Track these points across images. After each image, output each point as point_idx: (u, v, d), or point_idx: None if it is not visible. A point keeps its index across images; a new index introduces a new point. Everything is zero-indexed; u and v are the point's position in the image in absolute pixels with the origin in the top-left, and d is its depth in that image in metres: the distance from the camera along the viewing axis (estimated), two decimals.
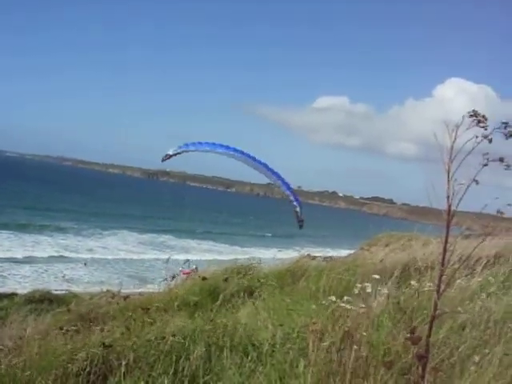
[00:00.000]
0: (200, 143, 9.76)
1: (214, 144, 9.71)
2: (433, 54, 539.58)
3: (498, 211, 4.78)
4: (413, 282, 8.67)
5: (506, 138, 4.46)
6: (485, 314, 6.46)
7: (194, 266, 21.35)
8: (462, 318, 6.53)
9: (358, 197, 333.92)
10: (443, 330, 6.23)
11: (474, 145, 4.53)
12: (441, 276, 4.73)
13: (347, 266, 11.20)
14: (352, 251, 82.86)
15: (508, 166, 4.49)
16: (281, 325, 7.91)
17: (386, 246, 72.94)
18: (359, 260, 12.24)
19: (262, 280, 11.53)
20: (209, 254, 72.09)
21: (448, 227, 4.59)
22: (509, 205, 4.47)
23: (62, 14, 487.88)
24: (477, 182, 4.66)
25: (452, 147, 4.58)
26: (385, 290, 7.93)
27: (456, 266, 9.41)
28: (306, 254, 70.85)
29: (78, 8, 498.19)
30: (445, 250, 4.72)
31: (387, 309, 7.44)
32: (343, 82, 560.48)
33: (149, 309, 7.88)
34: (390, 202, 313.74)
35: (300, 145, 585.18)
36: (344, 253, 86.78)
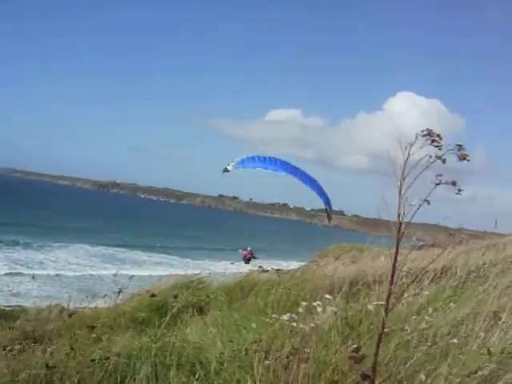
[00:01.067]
0: (254, 159, 9.66)
1: (269, 161, 9.56)
2: (383, 68, 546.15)
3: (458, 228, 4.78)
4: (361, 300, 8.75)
5: (459, 160, 4.46)
6: (431, 329, 6.46)
7: (249, 249, 21.20)
8: (410, 333, 6.54)
9: (309, 209, 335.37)
10: (391, 345, 6.22)
11: (428, 163, 4.52)
12: (389, 295, 4.71)
13: (296, 281, 11.18)
14: (304, 263, 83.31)
15: (459, 190, 4.50)
16: (230, 341, 7.83)
17: (337, 258, 73.40)
18: (308, 274, 12.22)
19: (211, 295, 11.42)
20: (161, 267, 71.65)
21: (397, 244, 4.58)
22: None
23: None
24: (428, 202, 4.66)
25: (405, 165, 4.57)
26: (333, 306, 7.92)
27: (404, 279, 9.51)
28: (258, 266, 70.65)
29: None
30: (394, 268, 4.71)
31: (335, 325, 7.41)
32: (295, 95, 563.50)
33: (94, 327, 7.70)
34: (341, 213, 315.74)
35: None
36: (296, 265, 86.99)
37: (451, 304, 7.53)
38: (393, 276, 4.80)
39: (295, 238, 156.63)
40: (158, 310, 11.41)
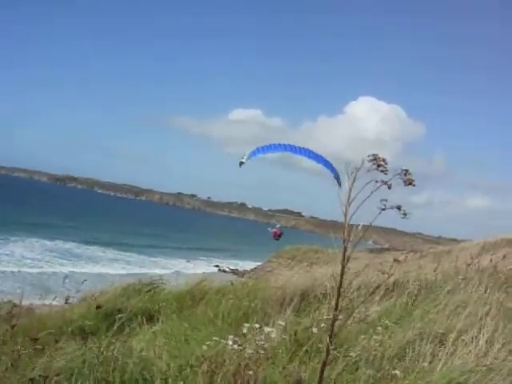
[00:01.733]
0: (263, 148, 9.64)
1: (279, 146, 9.59)
2: (345, 72, 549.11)
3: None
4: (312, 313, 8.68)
5: (405, 185, 4.40)
6: (379, 349, 6.41)
7: (279, 226, 20.97)
8: (359, 354, 6.48)
9: (266, 209, 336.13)
10: (339, 367, 6.16)
11: (373, 189, 4.45)
12: (334, 321, 4.63)
13: (248, 290, 11.07)
14: (260, 263, 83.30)
15: (405, 214, 4.43)
16: (175, 357, 7.70)
17: (293, 259, 73.30)
18: (261, 283, 12.10)
19: (161, 303, 11.24)
20: (117, 264, 71.05)
21: (342, 271, 4.50)
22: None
23: None
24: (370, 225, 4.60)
25: (350, 190, 4.50)
26: (282, 322, 7.84)
27: (356, 293, 9.46)
28: (214, 265, 70.17)
29: None
30: (338, 295, 4.63)
31: (284, 342, 7.33)
32: (258, 95, 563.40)
33: (37, 339, 7.49)
34: (299, 214, 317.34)
35: (213, 156, 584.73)
36: (252, 264, 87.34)
37: (401, 321, 7.52)
38: (337, 304, 4.72)
39: (253, 237, 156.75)
40: (107, 317, 11.18)
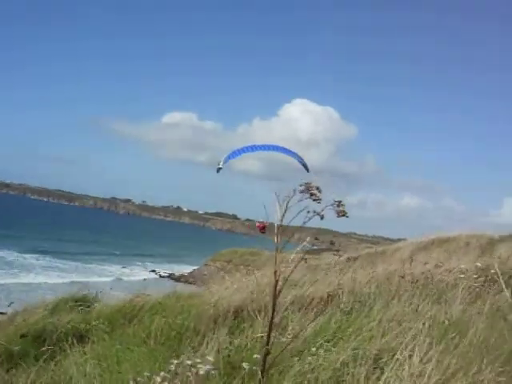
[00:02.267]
0: (238, 150, 9.56)
1: (251, 147, 9.53)
2: (280, 75, 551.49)
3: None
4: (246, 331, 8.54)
5: (338, 216, 4.35)
6: (314, 372, 6.31)
7: (261, 219, 20.41)
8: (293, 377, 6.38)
9: (202, 212, 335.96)
10: None
11: (306, 219, 4.37)
12: (265, 355, 4.51)
13: (181, 307, 10.87)
14: (196, 267, 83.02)
15: (345, 213, 4.39)
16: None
17: (229, 261, 73.21)
18: (195, 298, 11.91)
19: (92, 322, 10.94)
20: (52, 272, 69.86)
21: (274, 305, 4.39)
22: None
23: None
24: (305, 260, 4.52)
25: (282, 218, 4.39)
26: (212, 345, 7.69)
27: (290, 308, 9.36)
28: (151, 270, 69.48)
29: None
30: (271, 325, 4.51)
31: (217, 365, 7.16)
32: (191, 98, 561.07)
33: None
34: (234, 217, 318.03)
35: (147, 159, 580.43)
36: (189, 268, 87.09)
37: (336, 340, 7.44)
38: (270, 328, 4.60)
39: (188, 241, 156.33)
40: (36, 339, 10.82)
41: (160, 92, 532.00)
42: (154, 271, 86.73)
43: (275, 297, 4.41)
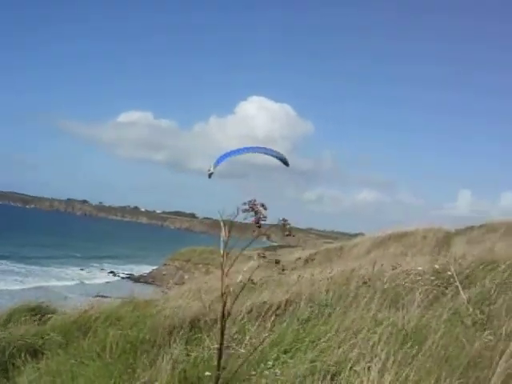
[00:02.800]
0: (226, 154, 9.62)
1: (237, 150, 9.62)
2: (234, 72, 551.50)
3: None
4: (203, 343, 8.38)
5: (285, 236, 4.26)
6: None
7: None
8: None
9: (159, 211, 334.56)
10: None
11: (251, 240, 4.26)
12: (219, 359, 4.36)
13: (137, 318, 10.66)
14: (155, 267, 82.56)
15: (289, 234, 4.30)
16: None
17: (188, 260, 72.93)
18: (151, 307, 11.71)
19: (46, 336, 10.67)
20: (10, 277, 68.59)
21: (223, 329, 4.25)
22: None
23: None
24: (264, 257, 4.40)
25: (227, 241, 4.26)
26: (168, 359, 7.53)
27: (247, 317, 9.24)
28: (109, 272, 68.92)
29: None
30: (221, 349, 4.37)
31: (173, 381, 7.02)
32: (147, 97, 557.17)
33: None
34: (192, 216, 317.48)
35: (103, 159, 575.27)
36: (148, 268, 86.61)
37: (293, 351, 7.35)
38: (222, 334, 4.46)
39: (146, 241, 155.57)
40: None
41: (114, 91, 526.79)
42: (112, 272, 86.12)
43: (223, 320, 4.27)
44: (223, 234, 4.21)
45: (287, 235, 4.22)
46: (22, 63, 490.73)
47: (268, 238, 4.44)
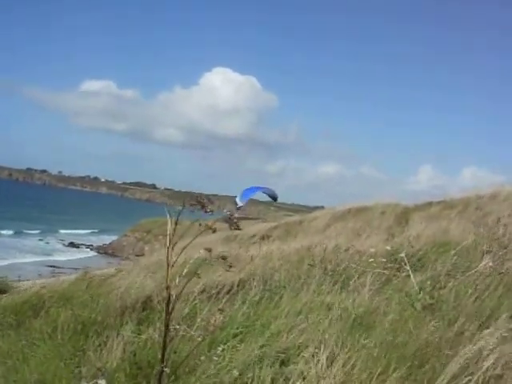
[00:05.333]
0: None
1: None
2: (201, 43, 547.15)
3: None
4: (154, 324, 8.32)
5: (230, 229, 4.22)
6: (219, 374, 6.17)
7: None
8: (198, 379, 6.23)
9: (120, 182, 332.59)
10: None
11: (197, 234, 4.20)
12: (164, 343, 4.30)
13: (91, 296, 10.55)
14: (115, 237, 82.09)
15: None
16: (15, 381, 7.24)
17: (148, 232, 72.73)
18: (105, 285, 11.62)
19: None
20: None
21: (167, 324, 4.18)
22: None
23: None
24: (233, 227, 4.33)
25: (173, 234, 4.19)
26: (118, 342, 7.47)
27: (199, 297, 9.20)
28: (69, 243, 68.08)
29: None
30: (165, 343, 4.31)
31: (123, 366, 6.96)
32: (109, 66, 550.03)
33: None
34: (153, 187, 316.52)
35: (64, 128, 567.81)
36: (108, 239, 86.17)
37: (243, 335, 7.33)
38: (168, 305, 4.39)
39: (107, 211, 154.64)
40: None
41: (78, 61, 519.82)
42: (72, 243, 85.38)
43: (168, 313, 4.21)
44: (169, 228, 4.14)
45: (233, 229, 4.18)
46: None
47: (214, 231, 4.37)
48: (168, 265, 4.20)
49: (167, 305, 4.25)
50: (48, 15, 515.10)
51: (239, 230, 4.32)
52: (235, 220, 4.50)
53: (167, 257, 4.24)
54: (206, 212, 4.10)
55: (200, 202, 4.08)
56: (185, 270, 4.29)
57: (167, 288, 4.20)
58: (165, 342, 4.27)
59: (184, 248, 4.48)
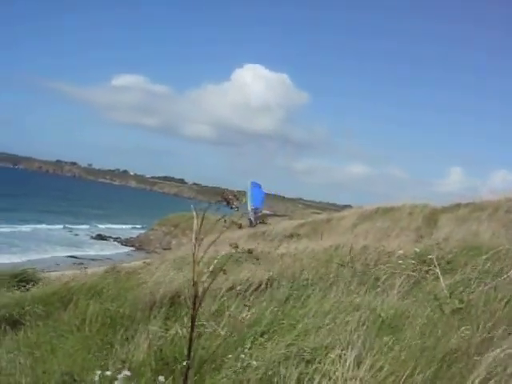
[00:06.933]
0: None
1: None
2: (232, 39, 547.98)
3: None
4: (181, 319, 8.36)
5: (255, 224, 4.23)
6: (245, 371, 6.18)
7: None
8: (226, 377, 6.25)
9: (149, 176, 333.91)
10: None
11: (222, 230, 4.22)
12: (190, 340, 4.32)
13: (119, 290, 10.64)
14: (143, 231, 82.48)
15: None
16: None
17: (176, 226, 72.89)
18: (133, 279, 11.69)
19: (26, 307, 10.61)
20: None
21: (193, 320, 4.20)
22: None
23: None
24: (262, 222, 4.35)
25: (199, 229, 4.21)
26: (145, 337, 7.52)
27: (227, 294, 9.22)
28: (97, 235, 68.43)
29: None
30: (191, 341, 4.33)
31: (150, 360, 7.00)
32: (141, 61, 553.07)
33: None
34: (182, 181, 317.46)
35: (95, 122, 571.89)
36: (135, 233, 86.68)
37: (270, 333, 7.34)
38: (195, 302, 4.41)
39: (136, 204, 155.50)
40: None
41: (110, 55, 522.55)
42: (100, 235, 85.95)
43: (194, 309, 4.23)
44: (195, 224, 4.16)
45: (258, 223, 4.20)
46: (20, 26, 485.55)
47: (240, 227, 4.39)
48: (194, 261, 4.22)
49: (194, 301, 4.27)
50: (79, 9, 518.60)
51: (264, 223, 4.35)
52: (257, 220, 4.51)
53: (193, 253, 4.26)
54: (231, 208, 4.13)
55: (226, 199, 4.10)
56: (211, 267, 4.32)
57: (194, 284, 4.22)
58: (191, 337, 4.29)
59: (211, 244, 4.49)
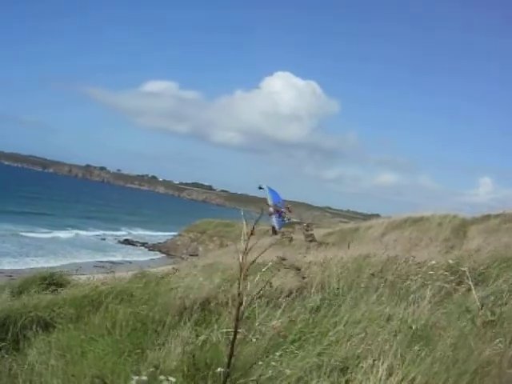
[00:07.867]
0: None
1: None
2: (261, 47, 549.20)
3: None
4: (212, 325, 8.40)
5: (306, 241, 4.25)
6: (276, 380, 6.19)
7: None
8: None
9: (177, 182, 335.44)
10: None
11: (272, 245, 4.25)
12: (232, 347, 4.35)
13: (149, 294, 10.71)
14: (171, 236, 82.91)
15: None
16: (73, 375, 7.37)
17: (203, 232, 73.33)
18: (162, 284, 11.75)
19: (57, 310, 10.72)
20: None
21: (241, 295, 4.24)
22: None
23: None
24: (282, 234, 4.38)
25: (248, 237, 4.25)
26: (177, 342, 7.56)
27: (258, 302, 9.23)
28: (124, 239, 68.95)
29: None
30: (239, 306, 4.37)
31: (182, 366, 7.03)
32: (173, 67, 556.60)
33: None
34: (210, 188, 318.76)
35: (124, 128, 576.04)
36: (163, 237, 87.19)
37: (301, 342, 7.34)
38: (238, 314, 4.46)
39: (164, 210, 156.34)
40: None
41: (142, 61, 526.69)
42: (127, 240, 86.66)
43: (237, 319, 4.26)
44: (244, 232, 4.19)
45: (308, 241, 4.24)
46: (51, 31, 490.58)
47: (291, 241, 4.42)
48: (241, 270, 4.26)
49: (237, 310, 4.31)
50: (109, 16, 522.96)
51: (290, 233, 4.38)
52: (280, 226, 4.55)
53: (240, 263, 4.29)
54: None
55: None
56: (256, 278, 4.35)
57: (239, 294, 4.25)
58: (232, 346, 4.33)
59: (260, 255, 4.49)
